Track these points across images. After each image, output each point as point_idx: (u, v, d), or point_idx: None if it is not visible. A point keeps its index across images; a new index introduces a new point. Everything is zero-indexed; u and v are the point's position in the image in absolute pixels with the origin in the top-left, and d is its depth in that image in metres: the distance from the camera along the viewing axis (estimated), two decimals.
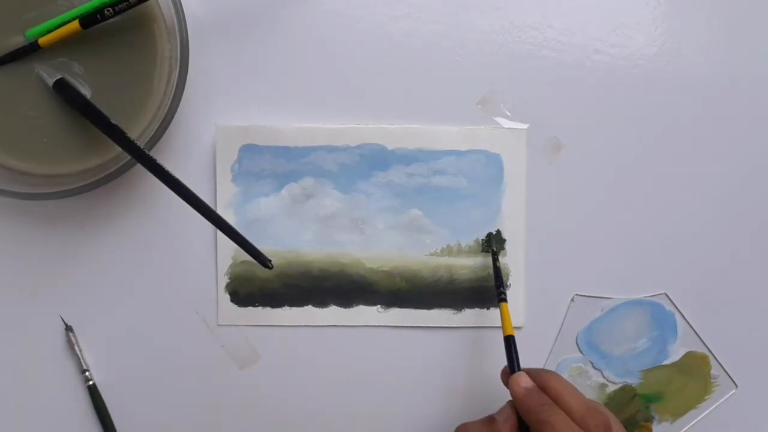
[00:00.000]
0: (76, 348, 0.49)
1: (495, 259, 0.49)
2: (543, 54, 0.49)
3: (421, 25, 0.49)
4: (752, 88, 0.50)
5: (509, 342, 0.44)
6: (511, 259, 0.50)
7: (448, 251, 0.50)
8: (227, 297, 0.49)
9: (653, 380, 0.51)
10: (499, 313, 0.46)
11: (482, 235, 0.50)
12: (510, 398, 0.43)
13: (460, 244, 0.50)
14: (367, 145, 0.49)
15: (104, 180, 0.44)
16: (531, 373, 0.43)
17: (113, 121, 0.42)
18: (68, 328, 0.49)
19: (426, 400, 0.51)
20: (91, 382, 0.49)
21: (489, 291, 0.50)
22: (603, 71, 0.50)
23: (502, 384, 0.44)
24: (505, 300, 0.47)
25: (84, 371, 0.49)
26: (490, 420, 0.42)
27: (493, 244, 0.49)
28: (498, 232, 0.50)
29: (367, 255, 0.50)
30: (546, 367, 0.50)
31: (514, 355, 0.44)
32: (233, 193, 0.49)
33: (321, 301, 0.50)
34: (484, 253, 0.50)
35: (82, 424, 0.50)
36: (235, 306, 0.49)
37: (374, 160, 0.49)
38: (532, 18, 0.49)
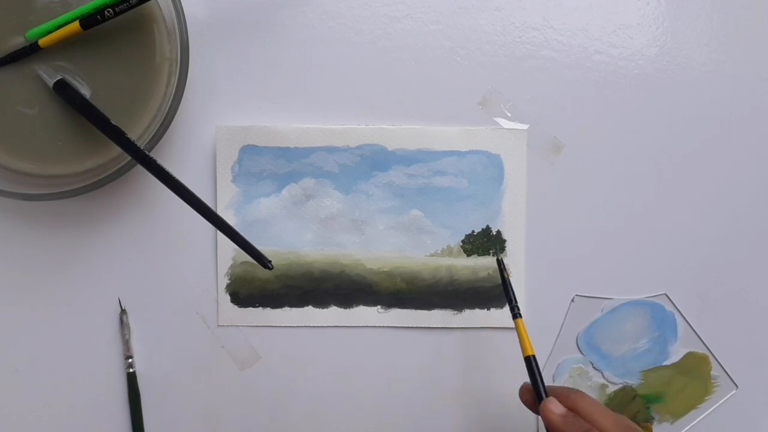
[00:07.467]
0: (126, 334, 0.49)
1: (503, 277, 0.47)
2: (543, 54, 0.49)
3: (422, 26, 0.49)
4: (752, 88, 0.50)
5: (530, 363, 0.41)
6: (511, 259, 0.50)
7: (449, 252, 0.50)
8: (227, 298, 0.49)
9: (654, 381, 0.51)
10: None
11: (483, 236, 0.50)
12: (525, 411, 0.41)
13: (460, 245, 0.50)
14: (367, 145, 0.49)
15: (104, 181, 0.44)
16: (557, 394, 0.40)
17: (113, 122, 0.42)
18: (122, 312, 0.49)
19: (426, 400, 0.51)
20: (131, 370, 0.49)
21: (489, 292, 0.50)
22: (603, 72, 0.50)
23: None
24: (519, 316, 0.44)
25: (128, 357, 0.49)
26: None
27: (501, 260, 0.48)
28: (498, 232, 0.50)
29: (368, 256, 0.50)
30: (546, 368, 0.50)
31: (539, 378, 0.41)
32: (233, 194, 0.49)
33: (321, 302, 0.50)
34: (484, 254, 0.50)
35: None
36: (236, 307, 0.49)
37: (374, 160, 0.49)
38: (532, 18, 0.49)
